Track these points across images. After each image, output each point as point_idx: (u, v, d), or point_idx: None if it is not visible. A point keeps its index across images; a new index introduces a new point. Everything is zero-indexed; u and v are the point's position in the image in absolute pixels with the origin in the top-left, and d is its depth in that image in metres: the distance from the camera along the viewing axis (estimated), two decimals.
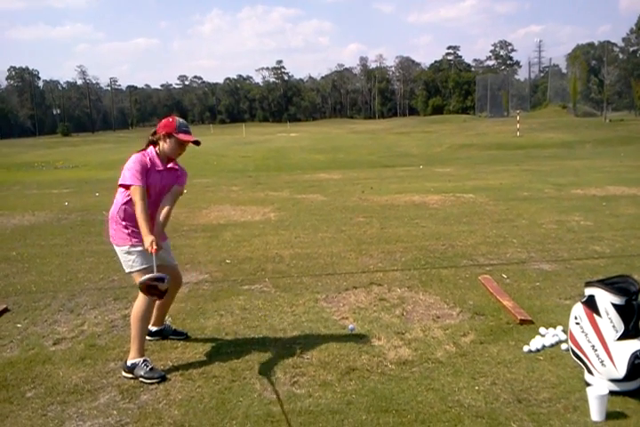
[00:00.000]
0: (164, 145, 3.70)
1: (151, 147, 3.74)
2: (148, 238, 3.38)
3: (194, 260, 6.43)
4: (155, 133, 3.76)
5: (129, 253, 3.64)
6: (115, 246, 3.71)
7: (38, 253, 7.04)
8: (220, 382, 3.42)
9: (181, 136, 3.68)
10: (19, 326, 4.53)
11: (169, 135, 3.67)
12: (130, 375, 3.53)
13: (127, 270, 3.70)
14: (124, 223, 3.64)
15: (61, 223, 9.28)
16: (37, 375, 3.59)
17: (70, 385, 3.44)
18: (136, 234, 3.60)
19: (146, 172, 3.60)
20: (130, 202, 3.59)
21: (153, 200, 3.67)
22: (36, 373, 3.63)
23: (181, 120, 3.76)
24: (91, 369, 3.67)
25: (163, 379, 3.49)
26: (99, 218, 9.49)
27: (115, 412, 3.12)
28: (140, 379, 3.49)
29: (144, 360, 3.55)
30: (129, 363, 3.56)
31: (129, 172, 3.56)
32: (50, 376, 3.58)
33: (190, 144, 3.76)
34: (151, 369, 3.52)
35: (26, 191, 14.83)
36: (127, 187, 3.57)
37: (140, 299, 3.62)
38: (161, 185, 3.69)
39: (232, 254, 6.68)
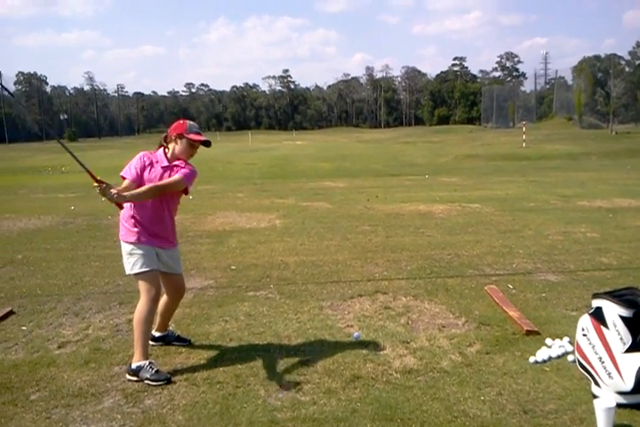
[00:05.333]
0: (176, 146, 3.76)
1: (161, 148, 3.81)
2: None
3: (199, 265, 6.43)
4: (166, 137, 3.82)
5: (130, 253, 3.67)
6: (121, 243, 3.76)
7: (44, 257, 7.05)
8: (224, 388, 3.41)
9: (192, 136, 3.75)
10: (24, 328, 4.54)
11: (180, 136, 3.74)
12: (134, 378, 3.53)
13: (127, 272, 3.75)
14: (132, 221, 3.69)
15: (67, 227, 9.30)
16: (42, 378, 3.59)
17: (75, 388, 3.44)
18: (144, 233, 3.66)
19: (143, 167, 3.69)
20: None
21: (160, 200, 3.70)
22: (41, 375, 3.63)
23: (192, 122, 3.84)
24: (95, 373, 3.66)
25: (168, 381, 3.49)
26: (105, 222, 9.53)
27: (119, 416, 3.11)
28: (146, 381, 3.48)
29: (149, 363, 3.55)
30: (134, 366, 3.56)
31: (127, 165, 3.72)
32: (54, 379, 3.57)
33: (201, 146, 3.81)
34: (157, 372, 3.52)
35: (32, 195, 14.88)
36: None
37: (143, 302, 3.64)
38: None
39: (237, 261, 6.68)
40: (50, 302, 5.24)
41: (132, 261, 3.67)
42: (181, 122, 3.81)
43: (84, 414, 3.13)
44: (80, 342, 4.21)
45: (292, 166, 25.35)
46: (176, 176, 3.67)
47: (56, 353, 4.01)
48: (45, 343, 4.20)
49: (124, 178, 3.68)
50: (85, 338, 4.31)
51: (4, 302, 5.22)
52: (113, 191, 3.34)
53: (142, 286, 3.68)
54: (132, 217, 3.69)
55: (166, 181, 3.66)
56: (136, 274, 3.68)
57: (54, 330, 4.50)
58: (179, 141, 3.75)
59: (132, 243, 3.68)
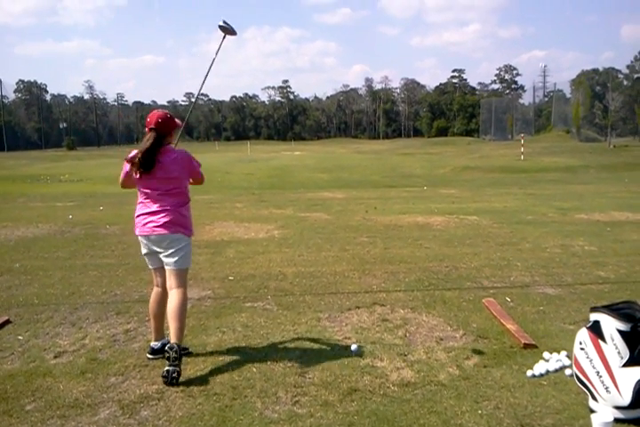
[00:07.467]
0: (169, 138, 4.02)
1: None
2: None
3: (197, 276, 6.41)
4: (163, 128, 3.91)
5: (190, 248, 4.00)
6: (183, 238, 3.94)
7: (41, 266, 7.04)
8: (220, 400, 3.40)
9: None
10: (20, 338, 4.52)
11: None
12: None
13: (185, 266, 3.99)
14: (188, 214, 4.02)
15: (65, 236, 9.29)
16: (37, 388, 3.57)
17: (70, 399, 3.42)
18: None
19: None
20: None
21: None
22: (37, 386, 3.61)
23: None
24: (91, 383, 3.65)
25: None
26: (102, 232, 9.52)
27: None
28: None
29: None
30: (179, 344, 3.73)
31: (197, 162, 4.13)
32: (50, 389, 3.56)
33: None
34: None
35: (30, 203, 14.87)
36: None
37: (185, 293, 3.91)
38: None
39: (235, 271, 6.67)
40: (47, 311, 5.22)
41: (190, 255, 3.99)
42: (169, 115, 3.96)
43: (79, 426, 3.11)
44: (76, 353, 4.19)
45: (291, 177, 25.41)
46: None
47: (52, 363, 3.99)
48: (42, 353, 4.18)
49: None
50: (82, 348, 4.29)
51: (1, 312, 5.19)
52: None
53: (185, 279, 3.98)
54: (186, 210, 3.98)
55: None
56: (186, 268, 3.98)
57: (51, 340, 4.48)
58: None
59: (190, 237, 3.98)
